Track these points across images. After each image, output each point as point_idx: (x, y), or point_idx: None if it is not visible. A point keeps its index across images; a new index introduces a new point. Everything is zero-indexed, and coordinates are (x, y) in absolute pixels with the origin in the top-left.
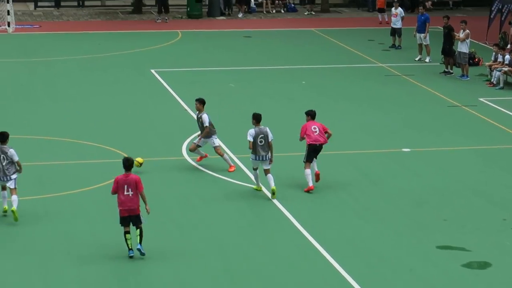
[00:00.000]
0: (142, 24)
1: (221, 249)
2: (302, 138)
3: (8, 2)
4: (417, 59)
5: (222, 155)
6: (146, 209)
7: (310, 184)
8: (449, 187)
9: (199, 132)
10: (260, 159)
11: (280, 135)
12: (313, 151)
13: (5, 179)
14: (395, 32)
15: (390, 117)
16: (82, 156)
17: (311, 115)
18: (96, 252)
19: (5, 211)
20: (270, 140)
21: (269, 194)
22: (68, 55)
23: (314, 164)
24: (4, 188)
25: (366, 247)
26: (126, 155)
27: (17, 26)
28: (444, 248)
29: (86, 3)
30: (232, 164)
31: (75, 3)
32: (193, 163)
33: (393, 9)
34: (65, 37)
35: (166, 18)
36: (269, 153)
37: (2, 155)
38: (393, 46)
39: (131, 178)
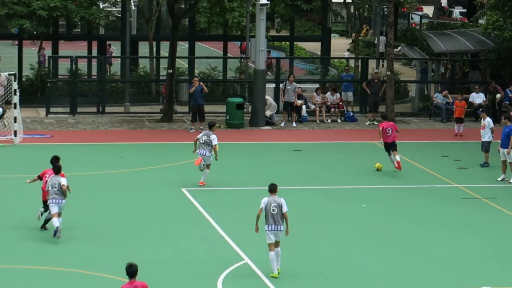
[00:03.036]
0: (172, 134)
1: None
2: None
3: (15, 108)
4: (499, 179)
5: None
6: None
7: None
8: None
9: None
10: (273, 229)
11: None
12: None
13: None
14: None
15: (467, 248)
16: None
17: None
18: None
19: None
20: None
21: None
22: (84, 170)
23: None
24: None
25: None
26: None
27: (25, 136)
28: None
29: (107, 109)
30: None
31: (94, 109)
32: None
33: (481, 120)
34: (81, 149)
35: (201, 127)
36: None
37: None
38: (486, 164)
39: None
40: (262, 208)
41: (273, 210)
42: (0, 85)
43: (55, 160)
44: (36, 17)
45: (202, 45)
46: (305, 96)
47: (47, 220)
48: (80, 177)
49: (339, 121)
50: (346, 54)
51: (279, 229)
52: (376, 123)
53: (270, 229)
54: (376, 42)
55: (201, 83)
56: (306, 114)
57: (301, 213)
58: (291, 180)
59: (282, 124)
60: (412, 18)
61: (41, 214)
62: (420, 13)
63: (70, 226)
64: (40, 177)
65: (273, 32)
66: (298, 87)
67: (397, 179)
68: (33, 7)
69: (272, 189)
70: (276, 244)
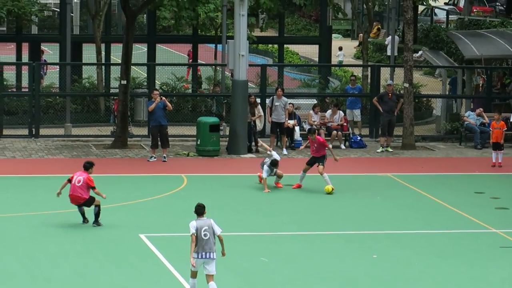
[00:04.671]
0: (127, 164)
1: None
2: None
3: None
4: None
5: None
6: None
7: None
8: None
9: None
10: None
11: None
12: None
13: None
14: None
15: None
16: None
17: None
18: None
19: None
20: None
21: None
22: (12, 210)
23: None
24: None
25: None
26: None
27: None
28: None
29: (43, 131)
30: None
31: (25, 131)
32: None
33: None
34: (7, 183)
35: (165, 155)
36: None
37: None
38: None
39: None
40: (193, 233)
41: (204, 235)
42: None
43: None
44: None
45: (165, 48)
46: (299, 115)
47: (96, 215)
48: (8, 219)
49: (343, 147)
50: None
51: (211, 257)
52: (390, 149)
53: (199, 257)
54: (386, 44)
55: (163, 98)
56: (300, 138)
57: (291, 265)
58: (279, 225)
59: (272, 153)
60: (435, 14)
61: (85, 220)
62: (446, 7)
63: None
64: (70, 180)
65: (257, 32)
66: (290, 103)
67: (417, 222)
68: None
69: (200, 211)
70: (209, 278)
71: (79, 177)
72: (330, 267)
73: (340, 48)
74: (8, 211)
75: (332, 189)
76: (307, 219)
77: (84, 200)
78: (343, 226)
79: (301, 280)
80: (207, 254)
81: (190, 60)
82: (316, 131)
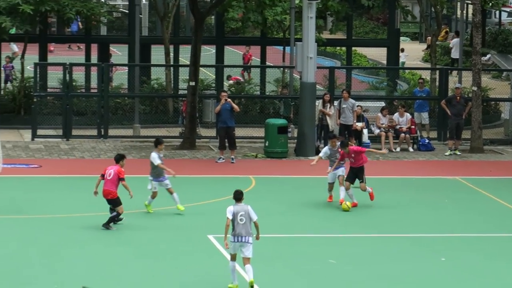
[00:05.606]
0: (195, 165)
1: None
2: None
3: None
4: None
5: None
6: None
7: None
8: None
9: None
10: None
11: None
12: None
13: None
14: None
15: None
16: None
17: None
18: None
19: None
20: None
21: None
22: (78, 210)
23: None
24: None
25: None
26: None
27: (5, 166)
28: None
29: (111, 132)
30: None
31: (94, 132)
32: None
33: None
34: (76, 183)
35: (233, 157)
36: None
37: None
38: None
39: None
40: (228, 218)
41: (240, 219)
42: None
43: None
44: (19, 13)
45: (233, 50)
46: (367, 117)
47: (112, 218)
48: (73, 219)
49: (411, 149)
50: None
51: (247, 241)
52: (459, 153)
53: (235, 240)
54: (451, 46)
55: (229, 99)
56: (369, 141)
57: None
58: (345, 227)
59: None
60: (496, 17)
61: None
62: (509, 9)
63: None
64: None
65: (326, 35)
66: (358, 106)
67: (486, 226)
68: (16, 1)
69: (238, 197)
70: (245, 261)
71: (110, 170)
72: (399, 270)
73: (402, 50)
74: (76, 211)
75: (349, 207)
76: (374, 221)
77: (113, 196)
78: (411, 228)
79: (368, 282)
80: (244, 238)
81: (249, 62)
82: (348, 143)
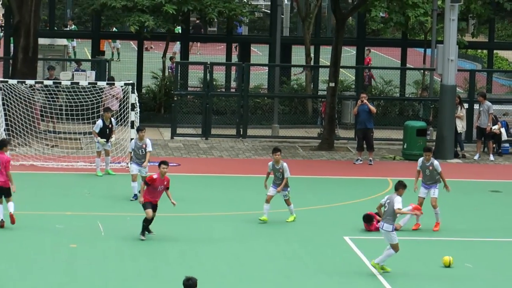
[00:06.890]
0: (333, 166)
1: None
2: None
3: (132, 127)
4: None
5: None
6: None
7: None
8: None
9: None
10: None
11: None
12: None
13: None
14: None
15: None
16: None
17: None
18: None
19: None
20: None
21: None
22: (218, 209)
23: None
24: None
25: None
26: None
27: (150, 164)
28: None
29: (250, 131)
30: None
31: (233, 131)
32: None
33: None
34: (213, 182)
35: (371, 158)
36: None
37: None
38: None
39: None
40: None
41: (385, 206)
42: (114, 98)
43: None
44: (162, 12)
45: (374, 51)
46: (507, 121)
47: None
48: (212, 218)
49: None
50: None
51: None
52: None
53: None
54: None
55: (365, 101)
56: (507, 144)
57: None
58: (483, 230)
59: (476, 157)
60: None
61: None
62: None
63: None
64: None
65: (467, 37)
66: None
67: None
68: (159, 0)
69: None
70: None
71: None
72: None
73: None
74: (214, 210)
75: (450, 262)
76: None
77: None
78: None
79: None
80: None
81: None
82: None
